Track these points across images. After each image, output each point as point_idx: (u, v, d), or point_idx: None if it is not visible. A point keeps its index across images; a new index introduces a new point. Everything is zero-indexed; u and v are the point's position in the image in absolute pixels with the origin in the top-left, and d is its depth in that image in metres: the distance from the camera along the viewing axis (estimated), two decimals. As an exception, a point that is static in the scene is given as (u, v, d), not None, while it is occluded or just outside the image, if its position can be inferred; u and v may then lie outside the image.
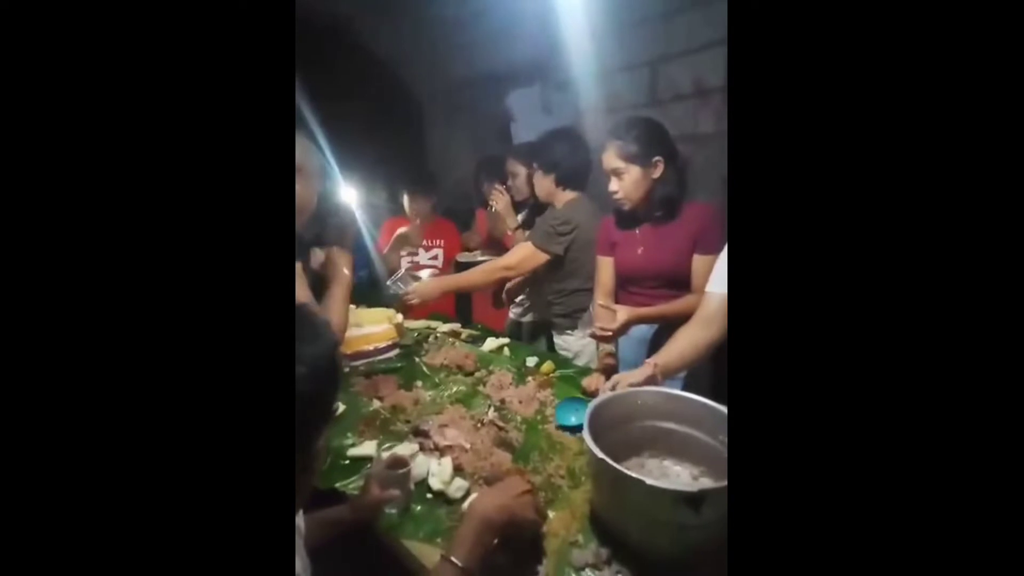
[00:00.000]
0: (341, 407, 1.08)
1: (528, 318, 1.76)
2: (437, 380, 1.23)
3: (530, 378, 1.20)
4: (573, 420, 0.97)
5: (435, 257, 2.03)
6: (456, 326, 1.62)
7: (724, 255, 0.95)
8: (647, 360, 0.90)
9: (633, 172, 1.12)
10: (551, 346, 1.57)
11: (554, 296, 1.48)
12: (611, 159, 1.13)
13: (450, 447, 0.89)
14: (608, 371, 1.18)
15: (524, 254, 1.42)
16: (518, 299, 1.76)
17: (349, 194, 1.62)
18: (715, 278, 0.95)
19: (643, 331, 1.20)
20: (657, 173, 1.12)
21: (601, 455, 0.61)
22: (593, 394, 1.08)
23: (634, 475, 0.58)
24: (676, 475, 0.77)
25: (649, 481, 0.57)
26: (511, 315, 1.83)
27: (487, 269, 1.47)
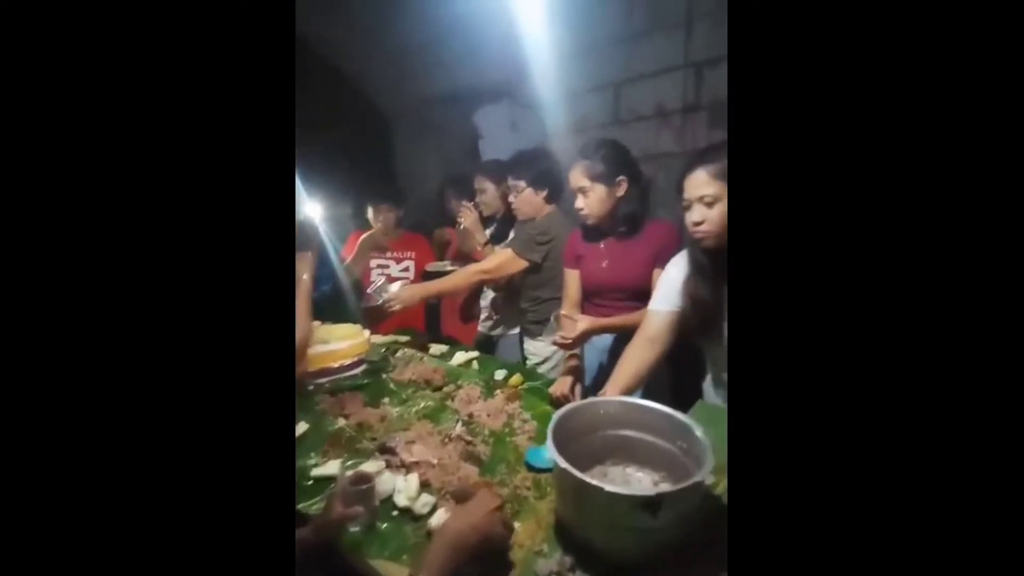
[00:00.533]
0: (304, 426, 1.05)
1: (498, 331, 1.77)
2: (405, 396, 1.22)
3: (498, 391, 1.21)
4: (539, 465, 0.89)
5: (406, 269, 2.02)
6: (424, 340, 1.61)
7: (668, 274, 1.00)
8: (603, 391, 0.95)
9: (598, 190, 1.17)
10: (522, 352, 1.60)
11: (529, 304, 1.52)
12: (578, 177, 1.17)
13: (417, 463, 0.89)
14: (573, 372, 1.22)
15: (503, 259, 1.44)
16: (484, 313, 1.78)
17: (313, 208, 1.61)
18: (658, 296, 1.00)
19: (605, 339, 1.26)
20: (621, 191, 1.18)
21: (564, 464, 0.63)
22: (560, 401, 1.11)
23: (594, 482, 0.59)
24: (638, 481, 0.79)
25: (608, 487, 0.58)
26: (480, 329, 1.83)
27: (465, 273, 1.49)
